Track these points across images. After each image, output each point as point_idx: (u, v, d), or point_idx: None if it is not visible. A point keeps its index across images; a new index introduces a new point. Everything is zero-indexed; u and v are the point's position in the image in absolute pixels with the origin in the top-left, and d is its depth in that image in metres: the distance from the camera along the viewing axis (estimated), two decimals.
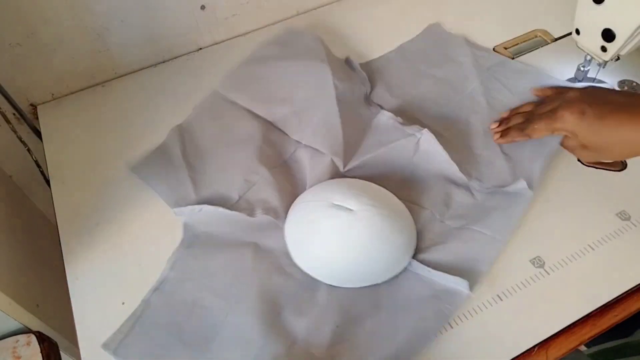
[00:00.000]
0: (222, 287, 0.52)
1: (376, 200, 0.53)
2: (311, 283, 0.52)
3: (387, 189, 0.57)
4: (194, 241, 0.55)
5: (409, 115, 0.66)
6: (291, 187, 0.60)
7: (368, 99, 0.68)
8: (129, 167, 0.62)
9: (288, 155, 0.63)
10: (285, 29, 0.77)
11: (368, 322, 0.49)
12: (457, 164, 0.58)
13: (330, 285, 0.51)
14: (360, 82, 0.70)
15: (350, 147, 0.62)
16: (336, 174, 0.60)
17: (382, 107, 0.66)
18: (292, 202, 0.57)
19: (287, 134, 0.65)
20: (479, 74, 0.70)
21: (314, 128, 0.63)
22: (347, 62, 0.73)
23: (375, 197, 0.54)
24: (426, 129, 0.60)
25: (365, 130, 0.64)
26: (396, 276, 0.52)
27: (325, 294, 0.51)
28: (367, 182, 0.58)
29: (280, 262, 0.53)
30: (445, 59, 0.74)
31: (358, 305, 0.50)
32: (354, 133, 0.63)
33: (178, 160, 0.62)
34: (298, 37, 0.76)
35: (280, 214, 0.56)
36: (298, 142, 0.64)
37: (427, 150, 0.60)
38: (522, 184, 0.56)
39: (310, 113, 0.65)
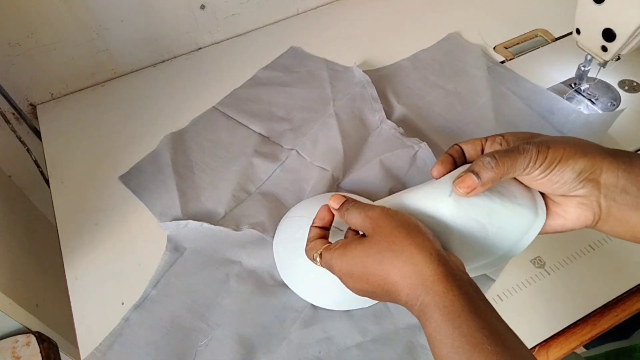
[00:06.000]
0: (203, 308, 0.51)
1: None
2: (295, 305, 0.50)
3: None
4: (178, 258, 0.54)
5: (413, 126, 0.66)
6: (282, 200, 0.59)
7: (373, 103, 0.67)
8: (118, 176, 0.62)
9: (279, 163, 0.62)
10: (290, 47, 0.77)
11: (354, 351, 0.47)
12: None
13: (315, 306, 0.50)
14: (363, 86, 0.69)
15: (348, 158, 0.61)
16: (332, 184, 0.59)
17: (387, 114, 0.66)
18: (283, 214, 0.56)
19: (280, 145, 0.65)
20: (491, 87, 0.69)
21: (310, 139, 0.64)
22: (351, 69, 0.72)
23: None
24: (425, 143, 0.59)
25: (365, 139, 0.64)
26: None
27: (309, 317, 0.50)
28: (361, 198, 0.57)
29: (264, 282, 0.52)
30: (458, 71, 0.72)
31: (343, 330, 0.49)
32: (353, 145, 0.63)
33: (167, 169, 0.62)
34: (302, 60, 0.75)
35: (268, 227, 0.55)
36: (290, 149, 0.63)
37: (423, 166, 0.59)
38: None
39: (308, 127, 0.65)
